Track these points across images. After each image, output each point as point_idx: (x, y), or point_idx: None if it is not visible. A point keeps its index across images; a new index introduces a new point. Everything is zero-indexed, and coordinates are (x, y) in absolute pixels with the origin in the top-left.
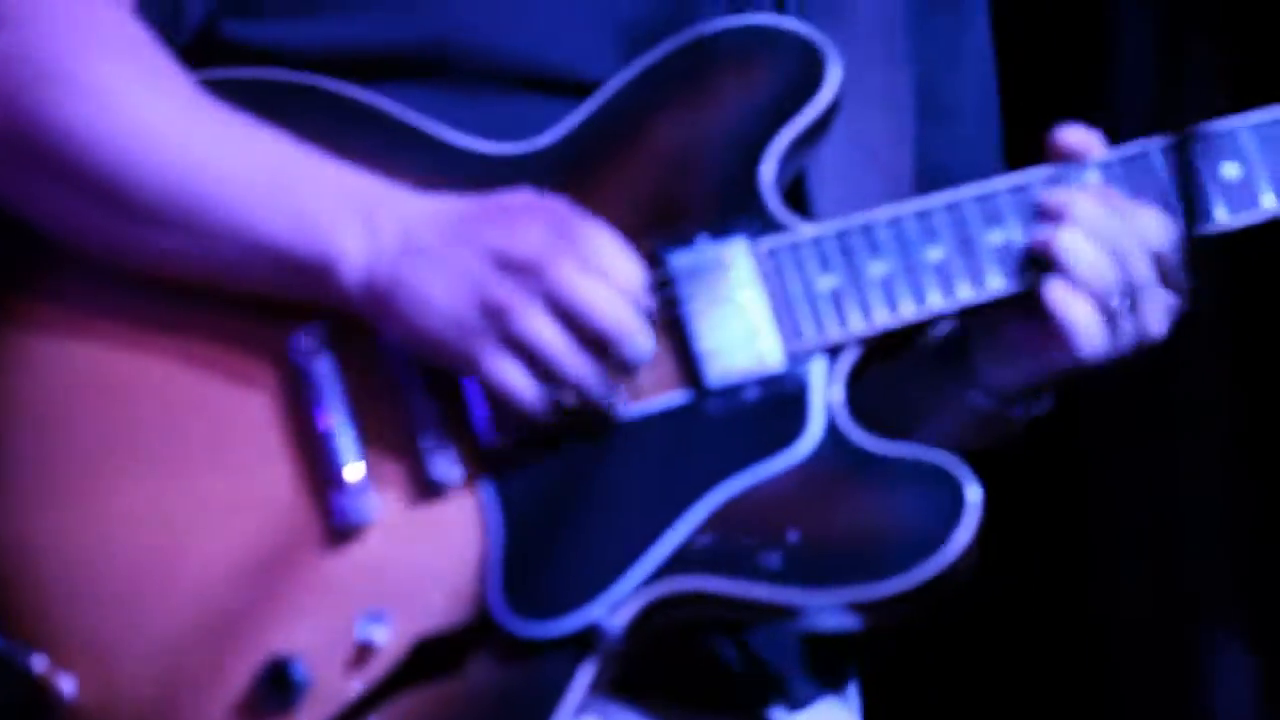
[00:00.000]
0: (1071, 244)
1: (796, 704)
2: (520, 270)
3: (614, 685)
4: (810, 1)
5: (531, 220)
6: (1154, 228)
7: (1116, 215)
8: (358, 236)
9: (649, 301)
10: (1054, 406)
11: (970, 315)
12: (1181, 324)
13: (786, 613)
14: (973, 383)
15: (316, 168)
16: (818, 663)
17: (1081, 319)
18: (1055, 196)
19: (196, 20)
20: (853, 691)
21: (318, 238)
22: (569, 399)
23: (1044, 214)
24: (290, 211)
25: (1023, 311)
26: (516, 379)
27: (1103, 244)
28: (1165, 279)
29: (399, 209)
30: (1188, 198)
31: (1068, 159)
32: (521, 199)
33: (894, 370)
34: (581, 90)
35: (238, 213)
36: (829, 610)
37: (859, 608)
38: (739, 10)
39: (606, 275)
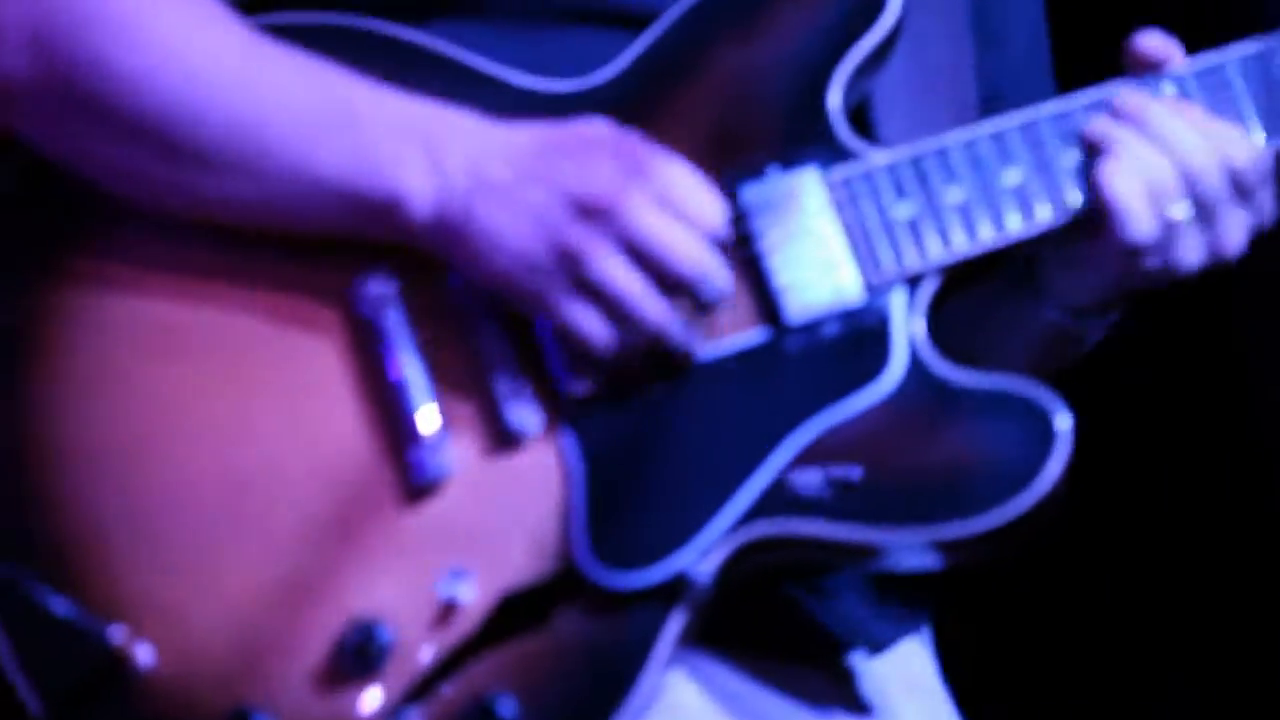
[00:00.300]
0: (1124, 138)
1: (877, 648)
2: (595, 212)
3: (699, 636)
4: None
5: (605, 157)
6: (1232, 144)
7: (1189, 127)
8: (424, 172)
9: (728, 237)
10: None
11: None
12: None
13: (874, 553)
14: (1044, 297)
15: (377, 101)
16: (895, 605)
17: (1126, 196)
18: (1126, 101)
19: None
20: (926, 631)
21: (383, 175)
22: (646, 343)
23: (1116, 115)
24: (353, 149)
25: (1091, 222)
26: (591, 323)
27: (1166, 151)
28: (1243, 197)
29: (466, 140)
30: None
31: (1146, 67)
32: (595, 130)
33: (970, 298)
34: (634, 22)
35: (299, 152)
36: (916, 549)
37: (947, 546)
38: None
39: (684, 213)
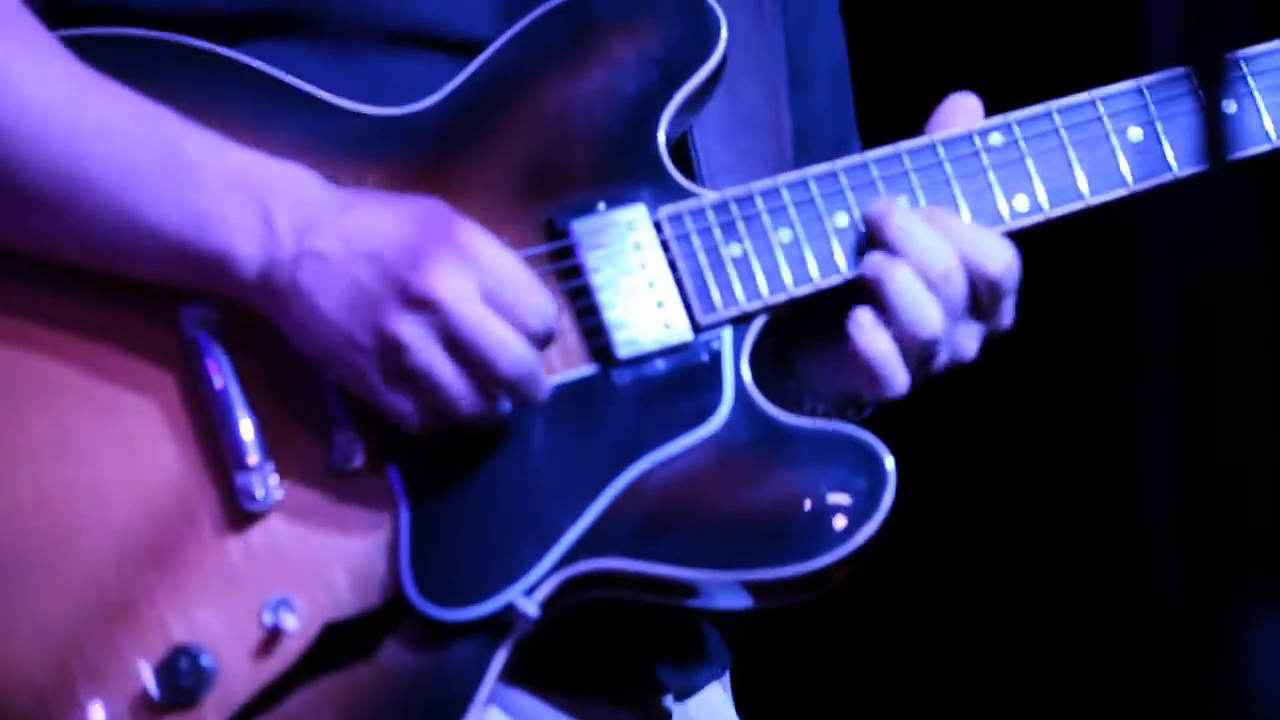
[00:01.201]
0: (900, 280)
1: (683, 693)
2: (420, 302)
3: (517, 672)
4: None
5: (438, 241)
6: (990, 258)
7: (936, 234)
8: (254, 233)
9: (553, 333)
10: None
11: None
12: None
13: (691, 592)
14: (800, 389)
15: (211, 150)
16: (705, 649)
17: (883, 358)
18: (882, 212)
19: None
20: (727, 676)
21: (212, 234)
22: (461, 424)
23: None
24: (183, 203)
25: (832, 333)
26: (407, 408)
27: (911, 261)
28: (978, 307)
29: (299, 203)
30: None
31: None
32: (431, 210)
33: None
34: (460, 49)
35: (129, 201)
36: (732, 590)
37: (767, 588)
38: None
39: (512, 312)
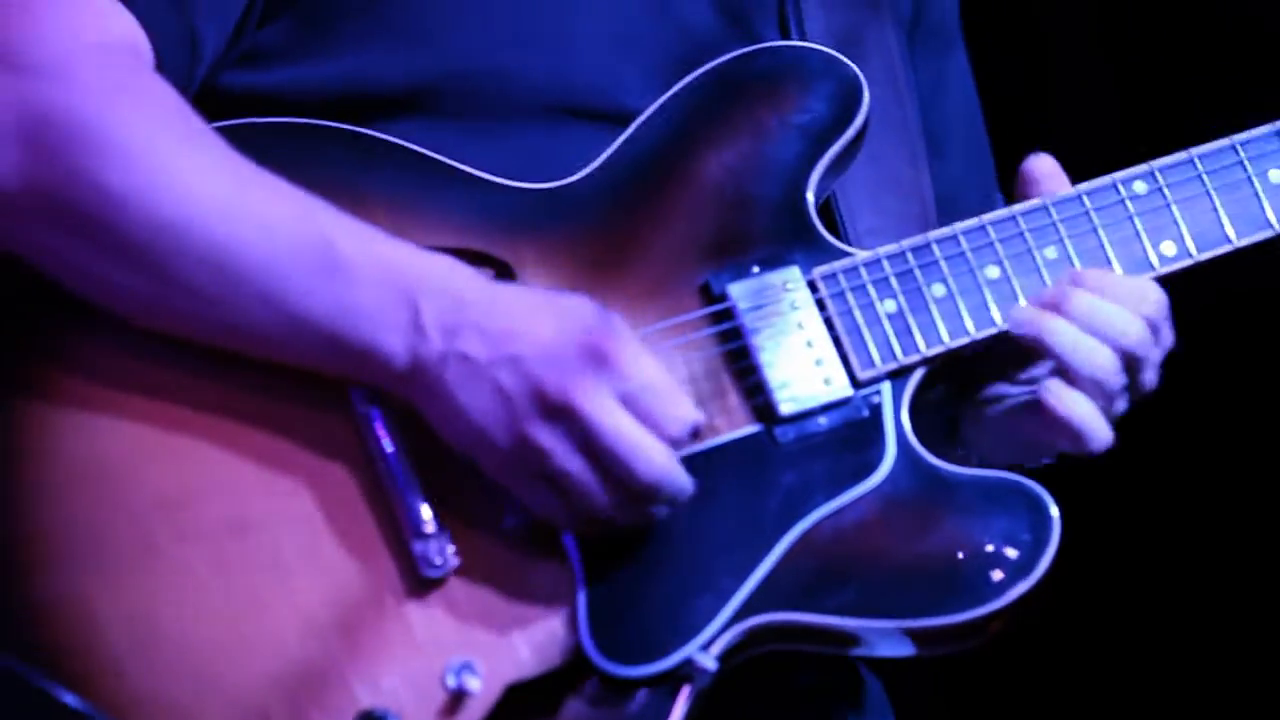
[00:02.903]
0: (1067, 338)
1: None
2: (559, 410)
3: None
4: (816, 32)
5: (579, 348)
6: (1144, 296)
7: (1108, 295)
8: (402, 330)
9: (697, 434)
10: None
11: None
12: None
13: (859, 642)
14: (967, 448)
15: (362, 246)
16: (867, 700)
17: (1086, 418)
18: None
19: (204, 72)
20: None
21: (363, 329)
22: (606, 525)
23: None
24: (335, 298)
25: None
26: (549, 507)
27: (1098, 332)
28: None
29: (446, 297)
30: None
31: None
32: (576, 312)
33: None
34: (612, 120)
35: (281, 296)
36: (900, 639)
37: (931, 636)
38: (753, 40)
39: (651, 417)
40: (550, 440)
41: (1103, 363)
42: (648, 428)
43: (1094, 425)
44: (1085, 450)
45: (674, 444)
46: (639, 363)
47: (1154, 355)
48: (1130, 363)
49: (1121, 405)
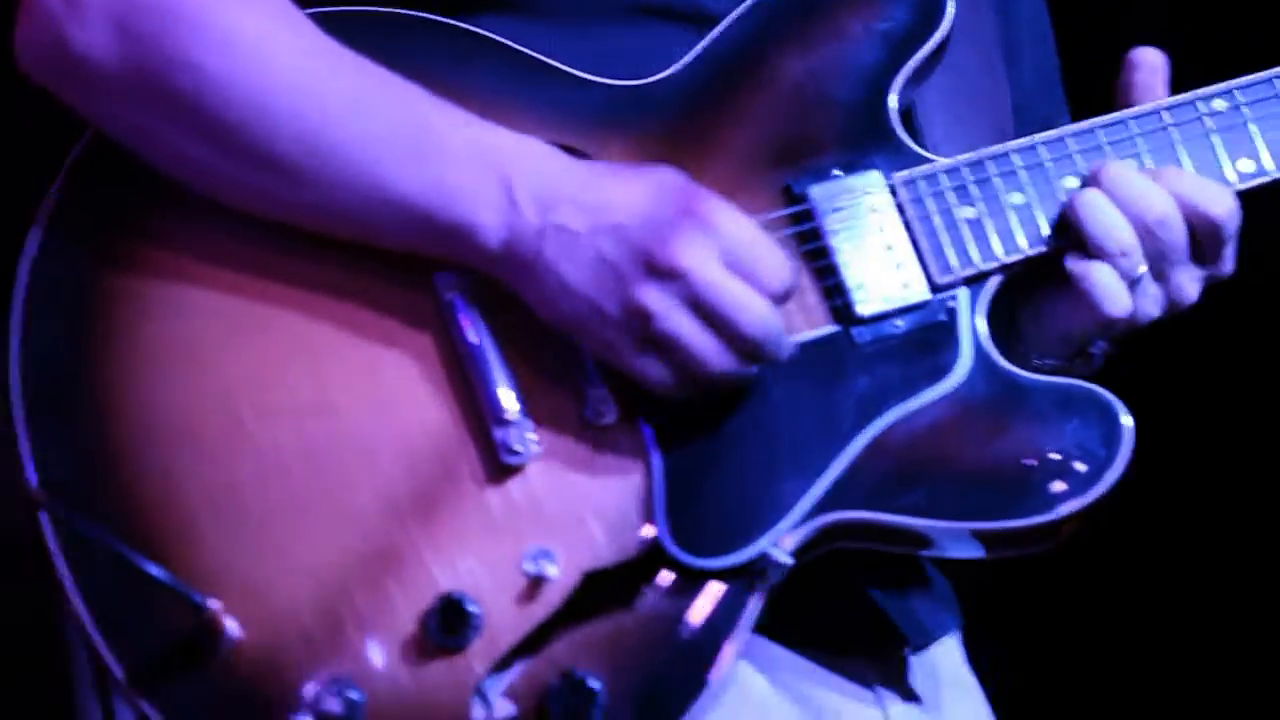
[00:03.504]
0: (1093, 204)
1: (928, 640)
2: (665, 271)
3: (759, 624)
4: None
5: (677, 212)
6: (1198, 193)
7: (1151, 180)
8: (497, 206)
9: (792, 292)
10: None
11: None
12: None
13: (935, 543)
14: (1023, 346)
15: (455, 127)
16: (938, 600)
17: (1102, 282)
18: (1100, 164)
19: None
20: (959, 634)
21: (456, 205)
22: (710, 385)
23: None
24: (429, 176)
25: (1054, 280)
26: (658, 373)
27: (1128, 208)
28: (1199, 251)
29: (541, 176)
30: None
31: (1141, 74)
32: (669, 181)
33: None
34: (692, 20)
35: (375, 173)
36: (971, 540)
37: (1006, 537)
38: None
39: (753, 273)
40: (659, 301)
41: (1118, 234)
42: (750, 284)
43: (1110, 287)
44: (1103, 317)
45: (775, 298)
46: (737, 222)
47: (1183, 253)
48: (1152, 245)
49: (1149, 304)
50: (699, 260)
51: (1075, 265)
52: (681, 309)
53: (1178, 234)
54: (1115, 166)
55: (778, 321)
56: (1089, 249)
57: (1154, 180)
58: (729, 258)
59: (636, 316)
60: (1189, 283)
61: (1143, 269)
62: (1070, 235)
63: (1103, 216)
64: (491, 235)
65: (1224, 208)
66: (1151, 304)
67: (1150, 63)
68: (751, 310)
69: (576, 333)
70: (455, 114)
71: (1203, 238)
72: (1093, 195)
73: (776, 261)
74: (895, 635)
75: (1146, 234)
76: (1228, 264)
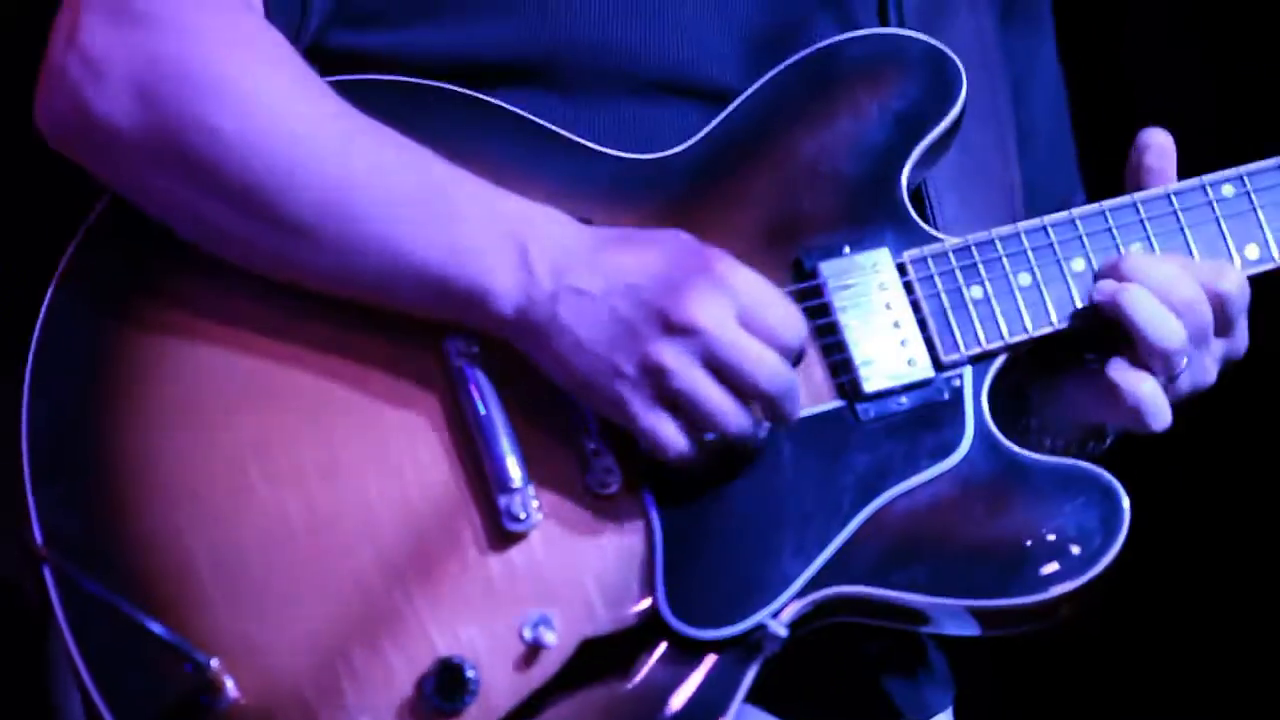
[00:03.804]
0: (1140, 301)
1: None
2: (680, 328)
3: (754, 693)
4: (911, 15)
5: (690, 271)
6: (1211, 271)
7: (1174, 265)
8: (513, 271)
9: (804, 349)
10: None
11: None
12: None
13: (932, 619)
14: (1037, 419)
15: (473, 193)
16: (933, 675)
17: (1149, 397)
18: (1116, 257)
19: (313, 29)
20: (951, 710)
21: (472, 270)
22: (722, 445)
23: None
24: (446, 241)
25: (1081, 370)
26: (670, 433)
27: (1163, 298)
28: (1220, 328)
29: (554, 238)
30: None
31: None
32: (680, 242)
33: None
34: (708, 96)
35: (392, 236)
36: (967, 618)
37: (1001, 616)
38: (848, 22)
39: (766, 330)
40: (675, 358)
41: (1174, 333)
42: (765, 340)
43: (1155, 402)
44: (1144, 428)
45: (789, 354)
46: (749, 279)
47: (1208, 335)
48: (1199, 339)
49: (1182, 386)
50: (714, 317)
51: (1122, 378)
52: (698, 366)
53: (1204, 315)
54: (1136, 255)
55: (793, 376)
56: (1140, 349)
57: (1173, 264)
58: (744, 314)
59: (653, 373)
60: (1211, 365)
61: (1185, 362)
62: (1093, 321)
63: (1155, 314)
64: (506, 301)
65: (1234, 281)
66: (1183, 388)
67: (1159, 144)
68: (767, 365)
69: (589, 393)
70: (470, 180)
71: (1219, 316)
72: (1137, 292)
73: (790, 317)
74: (891, 712)
75: (1195, 330)
76: (1241, 341)
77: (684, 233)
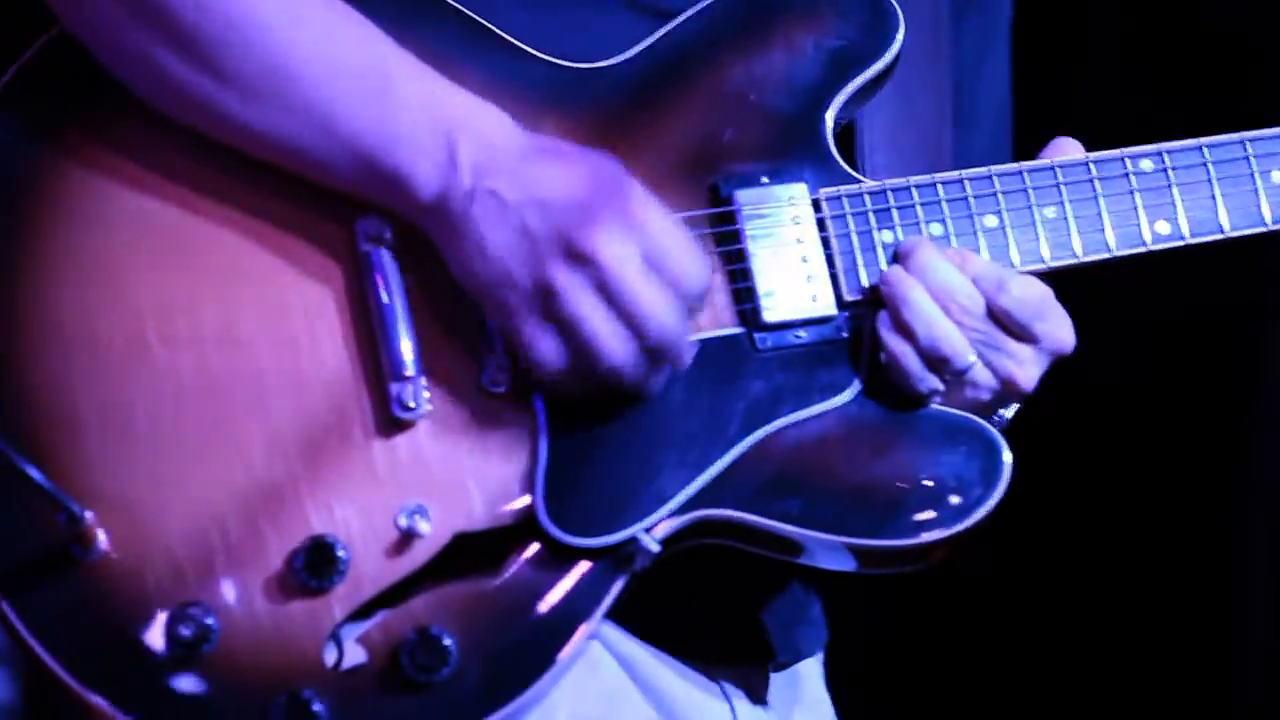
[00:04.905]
0: (904, 294)
1: (787, 660)
2: (583, 256)
3: (625, 615)
4: None
5: (609, 201)
6: (1002, 286)
7: (961, 279)
8: (436, 161)
9: (702, 302)
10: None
11: None
12: None
13: (802, 550)
14: None
15: (412, 77)
16: (809, 618)
17: (905, 353)
18: (913, 244)
19: None
20: (821, 654)
21: (397, 151)
22: (599, 380)
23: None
24: (378, 119)
25: None
26: (549, 348)
27: (940, 303)
28: (1016, 333)
29: (485, 137)
30: None
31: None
32: (607, 169)
33: None
34: (654, 12)
35: (328, 106)
36: (842, 553)
37: (875, 556)
38: None
39: (669, 275)
40: (570, 283)
41: (947, 337)
42: (666, 287)
43: (911, 363)
44: (915, 390)
45: (687, 304)
46: (664, 224)
47: (1001, 346)
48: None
49: (985, 386)
50: (618, 253)
51: (886, 340)
52: (591, 294)
53: (978, 315)
54: (927, 251)
55: (682, 329)
56: (919, 345)
57: (956, 266)
58: (649, 256)
59: (543, 292)
60: (1019, 367)
61: (973, 362)
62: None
63: (929, 316)
64: (426, 188)
65: (1013, 298)
66: (982, 391)
67: (1068, 153)
68: (661, 311)
69: (484, 296)
70: (416, 65)
71: (1005, 327)
72: (916, 293)
73: (696, 268)
74: (764, 647)
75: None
76: (1058, 340)
77: (613, 160)
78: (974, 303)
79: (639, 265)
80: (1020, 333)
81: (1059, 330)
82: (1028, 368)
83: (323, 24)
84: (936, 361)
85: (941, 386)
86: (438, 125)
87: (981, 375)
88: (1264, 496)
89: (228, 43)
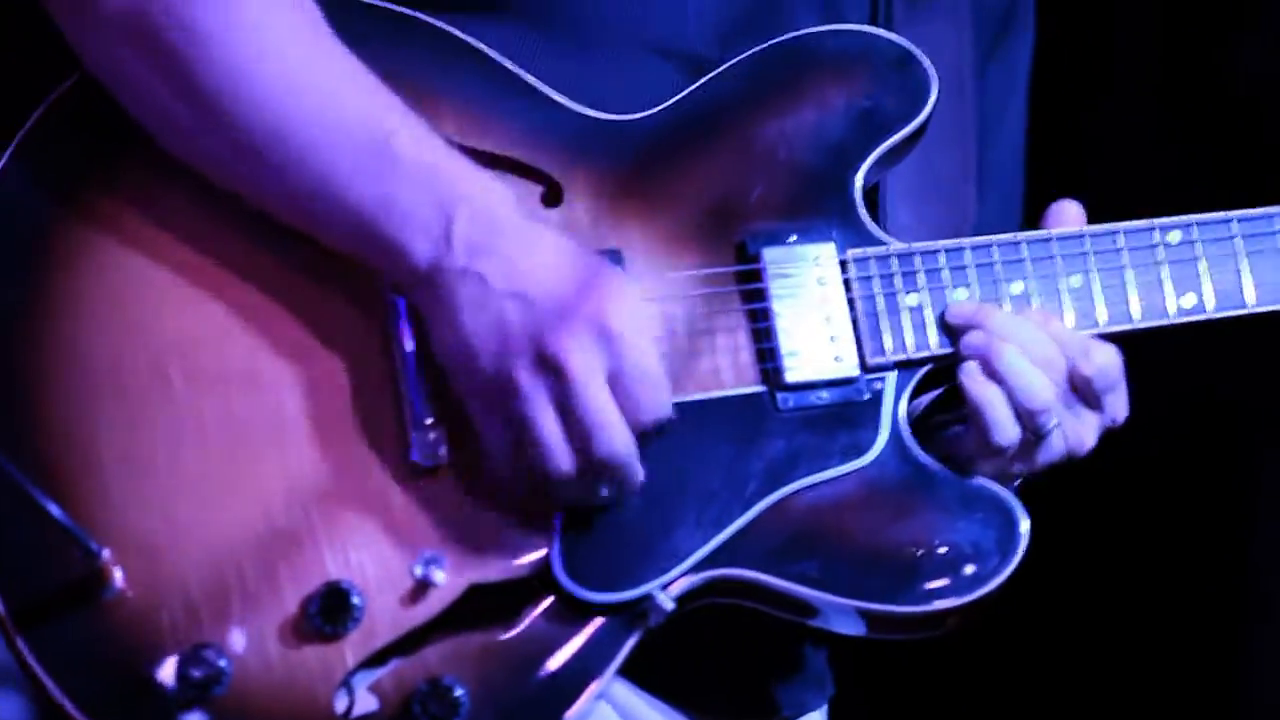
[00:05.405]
0: (1009, 353)
1: (798, 712)
2: (550, 366)
3: (633, 671)
4: (898, 22)
5: (590, 316)
6: (1084, 354)
7: (1048, 340)
8: (431, 237)
9: (661, 430)
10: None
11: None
12: None
13: (815, 612)
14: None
15: (417, 148)
16: (814, 674)
17: (992, 404)
18: (991, 320)
19: None
20: (826, 708)
21: (394, 223)
22: (542, 479)
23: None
24: (377, 189)
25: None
26: (495, 435)
27: (1031, 363)
28: (1090, 401)
29: (481, 219)
30: None
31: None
32: (598, 278)
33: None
34: (682, 63)
35: (330, 173)
36: (855, 618)
37: (891, 621)
38: (832, 12)
39: (629, 401)
40: (529, 385)
41: (1042, 390)
42: (623, 410)
43: (999, 413)
44: (989, 440)
45: (640, 432)
46: (639, 345)
47: (1075, 411)
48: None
49: (1055, 448)
50: (583, 365)
51: (969, 386)
52: (547, 403)
53: (1060, 376)
54: (1003, 315)
55: (633, 453)
56: (1014, 398)
57: (1036, 326)
58: (615, 376)
59: (505, 388)
60: (1083, 428)
61: (1054, 422)
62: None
63: (1024, 370)
64: (419, 262)
65: (1095, 367)
66: (1052, 451)
67: (1071, 218)
68: (611, 433)
69: (447, 366)
70: (422, 132)
71: (1080, 386)
72: (1007, 348)
73: (658, 398)
74: (768, 703)
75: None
76: (1118, 412)
77: (611, 268)
78: (1059, 364)
79: (602, 381)
80: (1094, 401)
81: (1120, 401)
82: (1090, 436)
83: (330, 82)
84: (1025, 414)
85: (1017, 441)
86: (436, 198)
87: (1057, 437)
88: (1271, 504)
89: (231, 95)
